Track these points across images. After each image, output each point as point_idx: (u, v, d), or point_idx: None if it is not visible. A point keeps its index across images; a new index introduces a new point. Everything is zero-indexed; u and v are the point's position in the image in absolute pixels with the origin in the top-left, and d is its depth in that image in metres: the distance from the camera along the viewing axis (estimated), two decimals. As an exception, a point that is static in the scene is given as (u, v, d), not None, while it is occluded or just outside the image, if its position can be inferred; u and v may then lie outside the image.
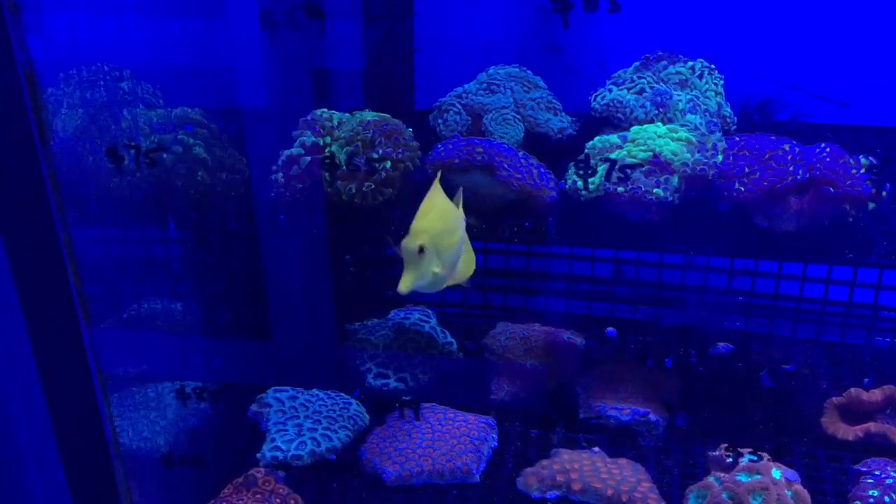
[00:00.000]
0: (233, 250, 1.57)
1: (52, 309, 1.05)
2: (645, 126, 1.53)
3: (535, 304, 1.96)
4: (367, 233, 1.63)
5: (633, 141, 1.50)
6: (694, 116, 1.69)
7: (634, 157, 1.45)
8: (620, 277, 1.89)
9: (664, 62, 1.79)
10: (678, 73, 1.76)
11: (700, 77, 1.77)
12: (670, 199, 1.43)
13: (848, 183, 1.38)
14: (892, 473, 1.33)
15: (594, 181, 1.47)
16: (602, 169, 1.47)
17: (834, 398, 1.55)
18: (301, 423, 1.53)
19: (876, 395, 1.51)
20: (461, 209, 1.29)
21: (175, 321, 1.58)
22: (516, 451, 1.54)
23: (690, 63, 1.77)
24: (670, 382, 1.69)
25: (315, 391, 1.62)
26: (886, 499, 1.28)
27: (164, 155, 1.39)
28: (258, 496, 1.35)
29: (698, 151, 1.47)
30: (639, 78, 1.76)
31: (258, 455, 1.48)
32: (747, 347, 1.82)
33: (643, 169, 1.44)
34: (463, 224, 1.28)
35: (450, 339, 1.77)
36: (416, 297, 1.90)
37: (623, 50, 1.87)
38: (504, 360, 1.73)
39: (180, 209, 1.46)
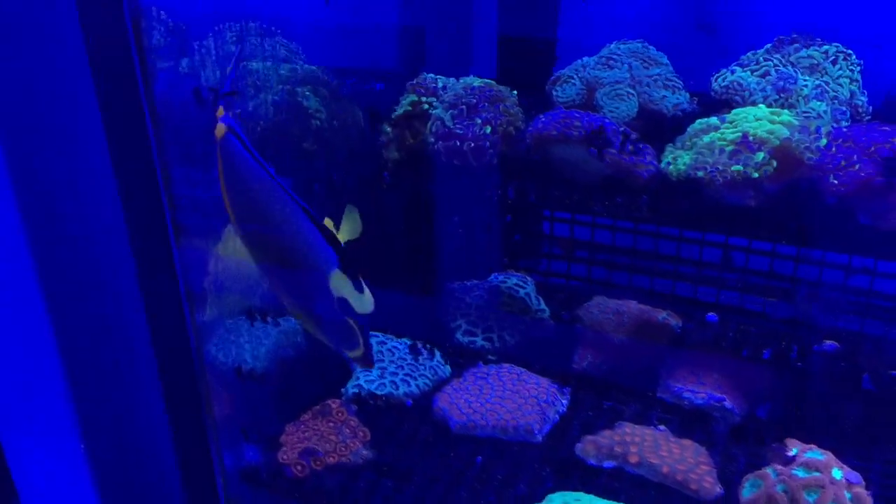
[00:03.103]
0: (339, 199, 1.69)
1: (151, 232, 1.20)
2: (747, 108, 1.50)
3: (640, 282, 1.95)
4: (467, 194, 1.69)
5: (731, 122, 1.47)
6: (819, 103, 1.62)
7: (724, 140, 1.43)
8: (729, 264, 1.85)
9: (797, 45, 1.72)
10: (809, 56, 1.69)
11: (833, 63, 1.69)
12: (755, 174, 1.39)
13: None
14: (965, 491, 1.25)
15: (683, 161, 1.46)
16: (693, 150, 1.46)
17: (929, 408, 1.46)
18: (385, 367, 1.63)
19: (975, 410, 1.41)
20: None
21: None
22: (585, 420, 1.57)
23: (825, 47, 1.69)
24: (760, 374, 1.65)
25: (405, 339, 1.72)
26: (952, 516, 1.21)
27: (276, 101, 1.54)
28: (331, 424, 1.48)
29: (799, 133, 1.42)
30: (765, 60, 1.70)
31: (342, 390, 1.61)
32: (857, 349, 1.73)
33: (730, 150, 1.41)
34: None
35: (543, 306, 1.82)
36: (519, 264, 1.96)
37: (781, 31, 1.81)
38: (593, 332, 1.75)
39: (291, 157, 1.59)
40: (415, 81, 1.63)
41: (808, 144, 1.41)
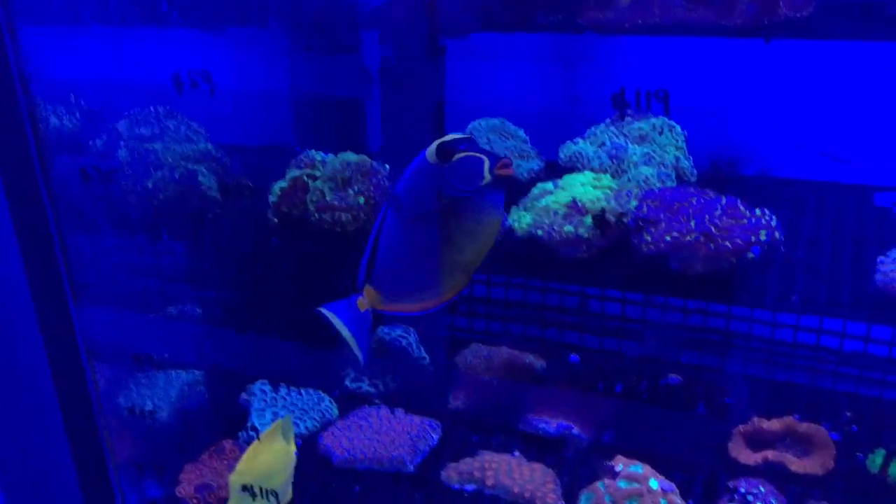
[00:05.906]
0: (234, 263, 1.91)
1: (51, 295, 1.40)
2: (574, 174, 1.76)
3: (514, 329, 2.20)
4: (346, 257, 1.91)
5: (563, 187, 1.73)
6: (647, 168, 1.89)
7: (558, 203, 1.68)
8: (584, 309, 2.11)
9: (629, 118, 2.01)
10: (640, 129, 1.97)
11: (660, 133, 1.97)
12: (585, 235, 1.64)
13: (727, 235, 1.55)
14: (754, 490, 1.49)
15: (526, 221, 1.71)
16: (532, 211, 1.71)
17: (741, 426, 1.71)
18: (277, 411, 1.83)
19: (775, 424, 1.66)
20: (292, 444, 1.46)
21: (186, 317, 1.93)
22: (454, 451, 1.78)
23: (653, 120, 1.97)
24: (609, 405, 1.89)
25: (293, 388, 1.92)
26: (742, 511, 1.44)
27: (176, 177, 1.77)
28: (225, 461, 1.66)
29: (614, 199, 1.69)
30: (602, 133, 1.98)
31: (239, 433, 1.80)
32: (698, 380, 1.98)
33: (563, 213, 1.67)
34: (292, 463, 1.45)
35: (424, 354, 2.04)
36: (401, 318, 2.18)
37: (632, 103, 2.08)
38: (466, 375, 1.97)
39: (190, 226, 1.81)
40: (298, 157, 1.87)
41: (621, 208, 1.67)
